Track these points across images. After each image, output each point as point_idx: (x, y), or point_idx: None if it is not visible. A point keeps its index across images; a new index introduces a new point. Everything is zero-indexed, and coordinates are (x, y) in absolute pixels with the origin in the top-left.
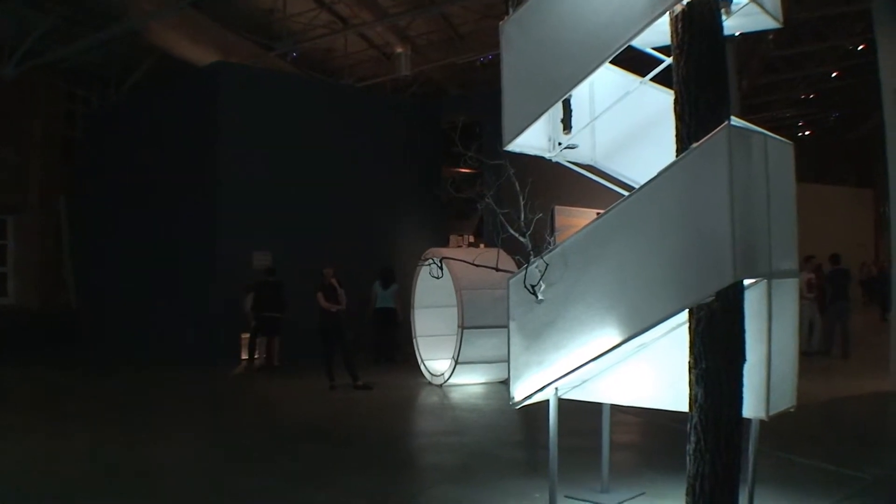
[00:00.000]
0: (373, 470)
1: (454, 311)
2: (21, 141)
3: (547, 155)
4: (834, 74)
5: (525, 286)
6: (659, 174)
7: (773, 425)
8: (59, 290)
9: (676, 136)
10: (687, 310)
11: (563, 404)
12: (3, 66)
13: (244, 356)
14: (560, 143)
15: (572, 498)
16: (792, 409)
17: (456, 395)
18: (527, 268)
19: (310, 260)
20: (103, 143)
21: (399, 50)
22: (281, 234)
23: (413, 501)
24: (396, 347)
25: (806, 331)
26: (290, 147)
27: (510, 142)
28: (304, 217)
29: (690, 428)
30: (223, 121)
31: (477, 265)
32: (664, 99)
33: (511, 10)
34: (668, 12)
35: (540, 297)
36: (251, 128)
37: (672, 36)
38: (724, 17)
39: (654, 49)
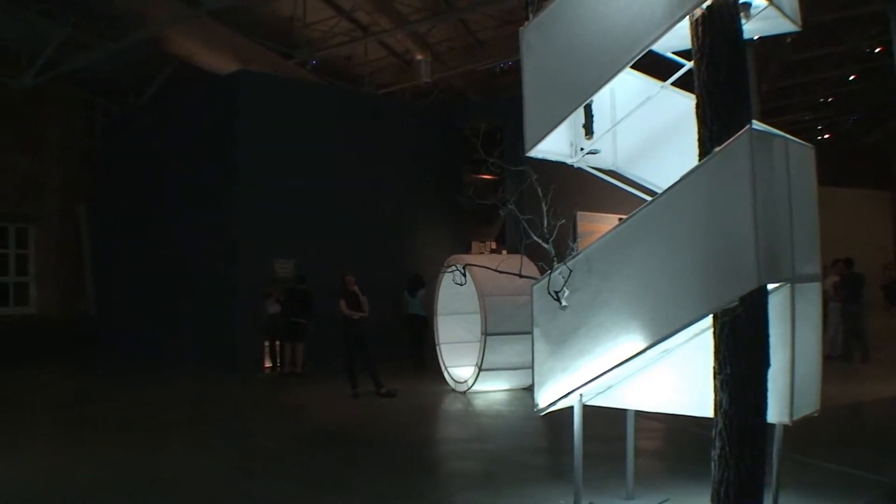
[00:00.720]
0: (396, 476)
1: (477, 317)
2: (41, 150)
3: (569, 160)
4: (851, 77)
5: (549, 292)
6: (681, 179)
7: (795, 429)
8: (79, 297)
9: (698, 140)
10: (711, 315)
11: (587, 410)
12: (22, 76)
13: (267, 363)
14: (582, 149)
15: None
16: (815, 414)
17: (480, 402)
18: (550, 274)
19: (332, 267)
20: (123, 151)
21: (419, 57)
22: (303, 241)
23: None
24: (419, 354)
25: (832, 334)
26: (311, 154)
27: (532, 148)
28: (325, 225)
29: (715, 433)
30: (243, 129)
31: (500, 272)
32: (685, 103)
33: (531, 16)
34: (687, 16)
35: (564, 303)
36: (271, 135)
37: (692, 40)
38: (743, 21)
39: (675, 53)
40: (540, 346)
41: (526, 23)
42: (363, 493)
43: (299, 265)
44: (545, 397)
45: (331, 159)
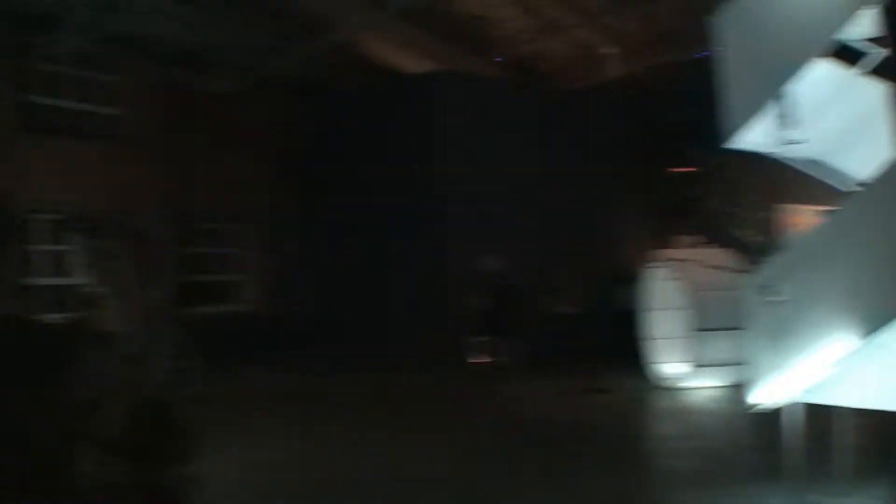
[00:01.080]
0: (611, 474)
1: (687, 313)
2: (246, 150)
3: (768, 151)
4: None
5: (760, 287)
6: (882, 168)
7: None
8: (291, 295)
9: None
10: None
11: (797, 407)
12: (220, 81)
13: (476, 359)
14: (781, 139)
15: None
16: None
17: (690, 399)
18: (760, 268)
19: (537, 263)
20: (325, 151)
21: (608, 51)
22: (508, 236)
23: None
24: (627, 350)
25: None
26: (508, 151)
27: (731, 139)
28: (529, 220)
29: None
30: (443, 128)
31: (709, 266)
32: (882, 91)
33: (721, 6)
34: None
35: (776, 297)
36: (470, 134)
37: (881, 28)
38: None
39: (866, 40)
40: (753, 342)
41: (717, 12)
42: (581, 490)
43: (504, 261)
44: (759, 394)
45: (528, 155)
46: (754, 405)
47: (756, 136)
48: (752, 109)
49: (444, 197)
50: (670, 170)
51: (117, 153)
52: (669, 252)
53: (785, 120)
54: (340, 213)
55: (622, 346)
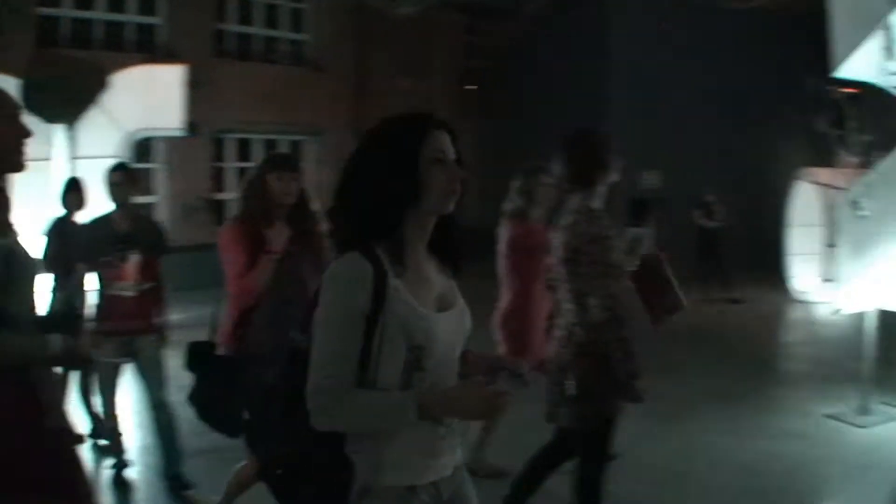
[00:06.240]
0: (723, 371)
1: (822, 230)
2: (424, 73)
3: (876, 82)
4: None
5: (850, 203)
6: None
7: None
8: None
9: None
10: None
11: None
12: (401, 5)
13: None
14: (885, 70)
15: (887, 404)
16: None
17: (817, 312)
18: (854, 186)
19: (692, 180)
20: (506, 73)
21: None
22: (667, 154)
23: (748, 396)
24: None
25: None
26: (681, 69)
27: (838, 68)
28: (687, 137)
29: None
30: (614, 45)
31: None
32: None
33: None
34: None
35: (863, 213)
36: (642, 52)
37: None
38: None
39: None
40: (842, 251)
41: None
42: (695, 384)
43: (664, 177)
44: (845, 299)
45: (699, 74)
46: (838, 311)
47: (865, 66)
48: (856, 39)
49: (614, 114)
50: (835, 90)
51: (305, 76)
52: (817, 171)
53: (890, 51)
54: (514, 137)
55: (763, 261)
